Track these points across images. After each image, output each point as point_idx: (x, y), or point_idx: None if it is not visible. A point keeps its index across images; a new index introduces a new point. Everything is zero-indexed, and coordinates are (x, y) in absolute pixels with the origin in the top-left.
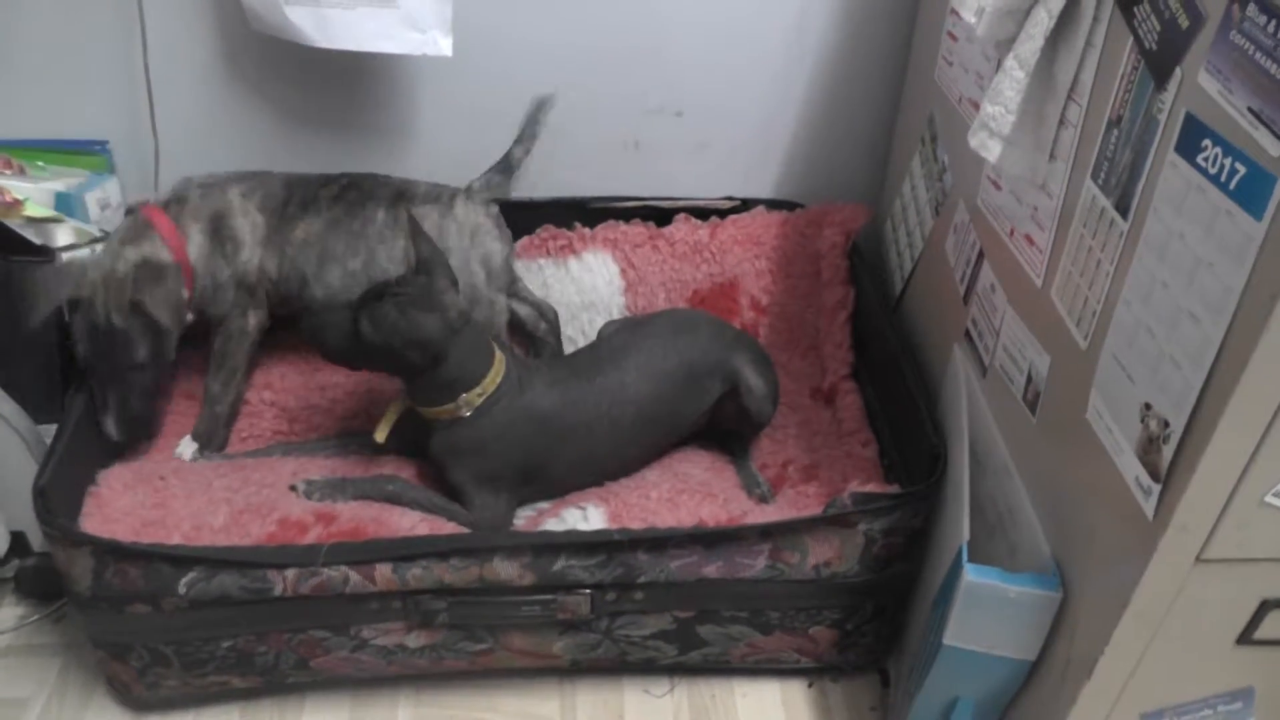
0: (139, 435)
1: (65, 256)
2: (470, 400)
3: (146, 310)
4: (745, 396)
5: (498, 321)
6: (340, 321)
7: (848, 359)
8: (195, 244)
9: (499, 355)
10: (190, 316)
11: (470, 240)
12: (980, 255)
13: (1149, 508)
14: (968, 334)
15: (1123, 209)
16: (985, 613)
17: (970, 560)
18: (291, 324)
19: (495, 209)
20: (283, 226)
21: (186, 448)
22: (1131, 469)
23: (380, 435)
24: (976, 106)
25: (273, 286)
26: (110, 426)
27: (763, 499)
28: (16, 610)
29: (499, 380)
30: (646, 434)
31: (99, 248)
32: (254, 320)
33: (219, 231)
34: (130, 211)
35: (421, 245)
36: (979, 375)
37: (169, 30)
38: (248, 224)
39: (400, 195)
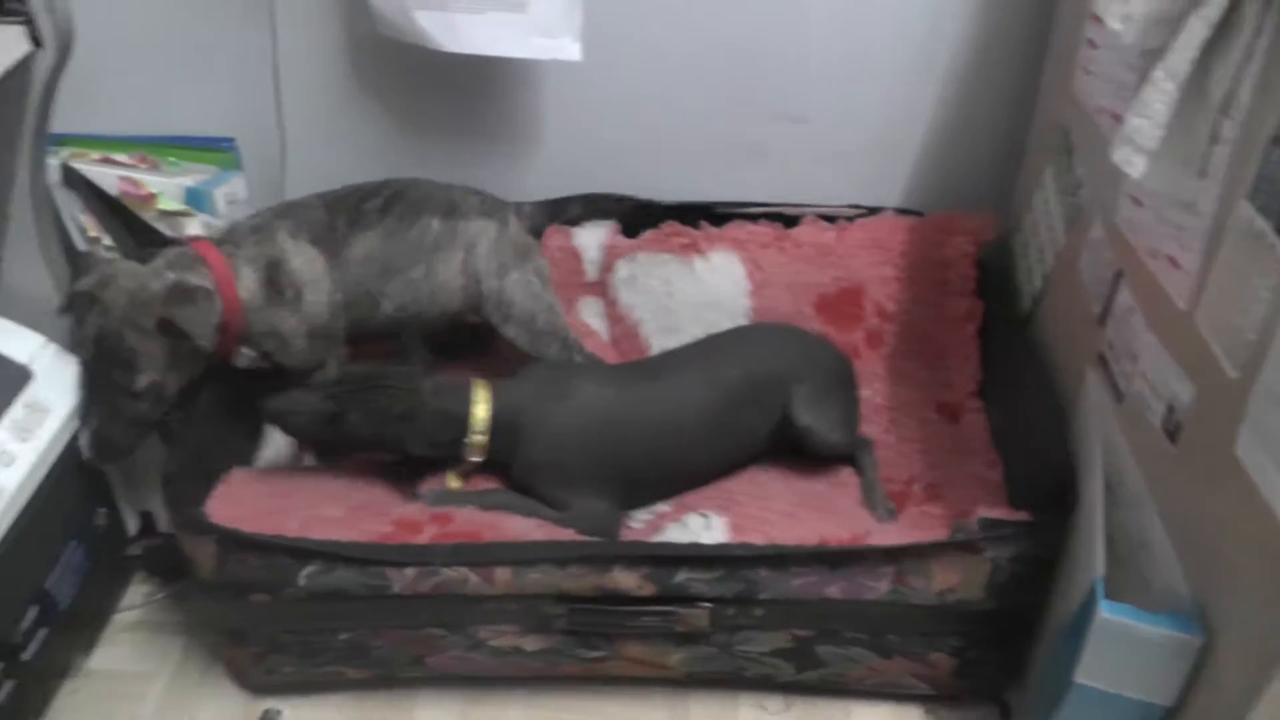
0: (109, 459)
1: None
2: (475, 442)
3: (177, 327)
4: (796, 433)
5: (558, 322)
6: (314, 409)
7: (975, 375)
8: (247, 287)
9: (479, 390)
10: (249, 353)
11: (524, 257)
12: (1118, 275)
13: None
14: (1102, 357)
15: None
16: (1120, 652)
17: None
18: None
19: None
20: (339, 251)
21: None
22: None
23: (453, 483)
24: (1117, 119)
25: (346, 317)
26: (82, 439)
27: (885, 517)
28: (143, 588)
29: (490, 409)
30: (715, 441)
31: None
32: (337, 367)
33: (275, 280)
34: (178, 243)
35: (407, 333)
36: (1113, 400)
37: (298, 32)
38: (305, 264)
39: (453, 208)
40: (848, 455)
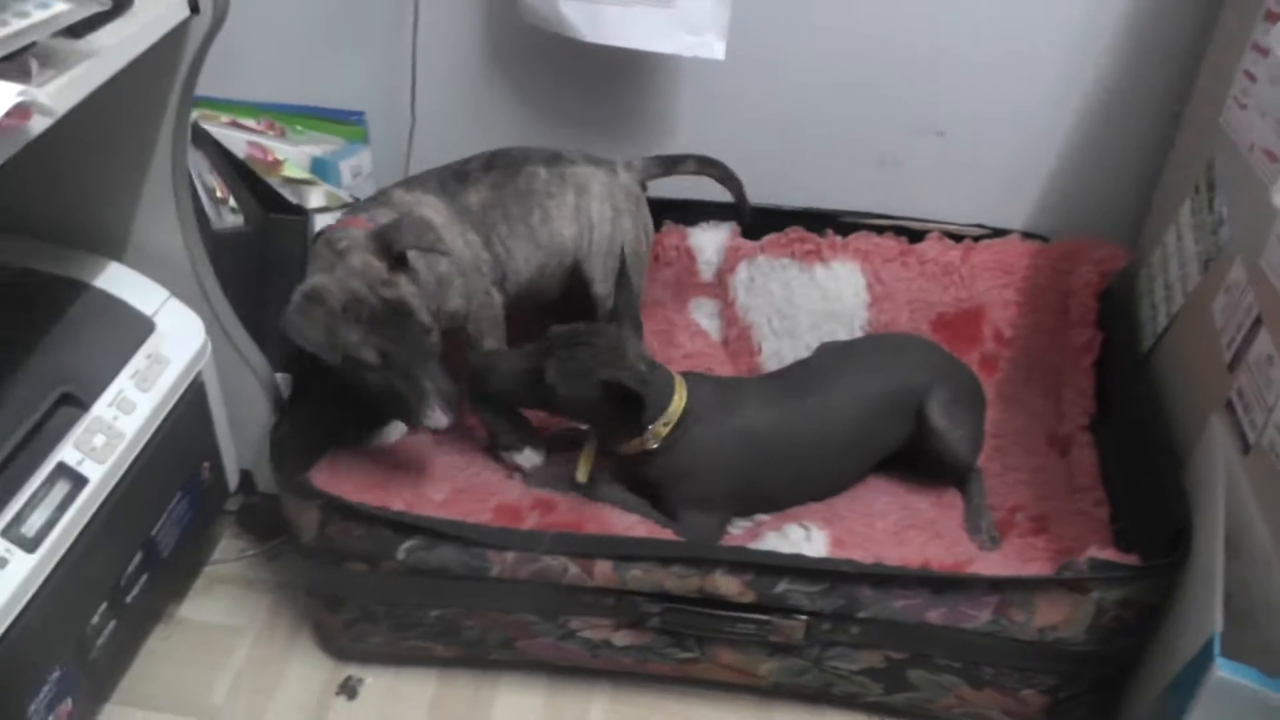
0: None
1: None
2: (656, 432)
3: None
4: (928, 435)
5: (640, 293)
6: (516, 366)
7: (1089, 408)
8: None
9: (679, 381)
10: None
11: (636, 206)
12: (1258, 322)
13: None
14: (1230, 405)
15: None
16: (1234, 714)
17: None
18: None
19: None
20: (456, 200)
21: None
22: None
23: (581, 475)
24: (1272, 157)
25: (489, 263)
26: (440, 413)
27: (988, 544)
28: (237, 543)
29: (683, 406)
30: (853, 457)
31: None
32: (498, 296)
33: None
34: (320, 233)
35: (620, 294)
36: (1239, 451)
37: (440, 12)
38: (431, 211)
39: (556, 157)
40: (963, 473)
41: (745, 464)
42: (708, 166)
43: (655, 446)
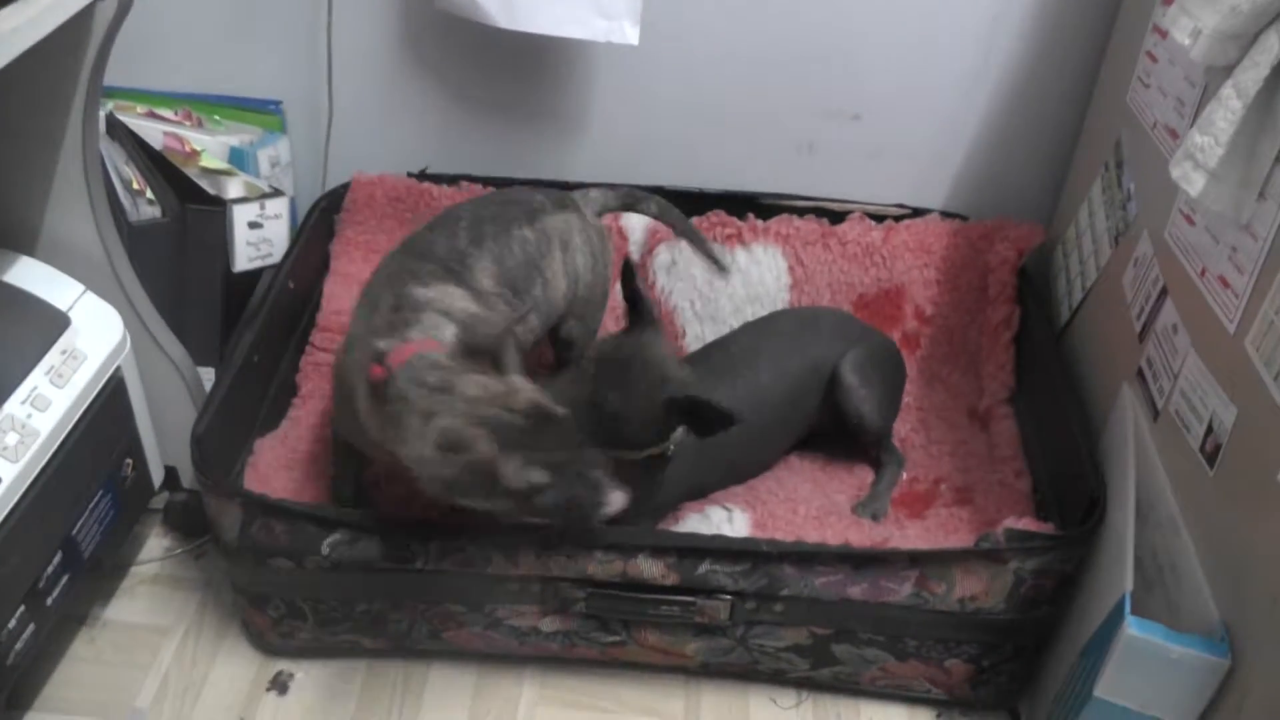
0: None
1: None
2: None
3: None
4: (838, 392)
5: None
6: (571, 396)
7: (1008, 382)
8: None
9: None
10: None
11: (604, 243)
12: (1163, 293)
13: None
14: (1140, 373)
15: None
16: (1143, 669)
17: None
18: None
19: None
20: (470, 284)
21: None
22: None
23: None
24: (1173, 134)
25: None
26: (617, 493)
27: (865, 515)
28: (163, 541)
29: None
30: (780, 433)
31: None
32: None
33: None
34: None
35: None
36: (1149, 418)
37: (354, 1)
38: (465, 301)
39: (531, 211)
40: (873, 438)
41: (697, 456)
42: (667, 214)
43: (672, 449)
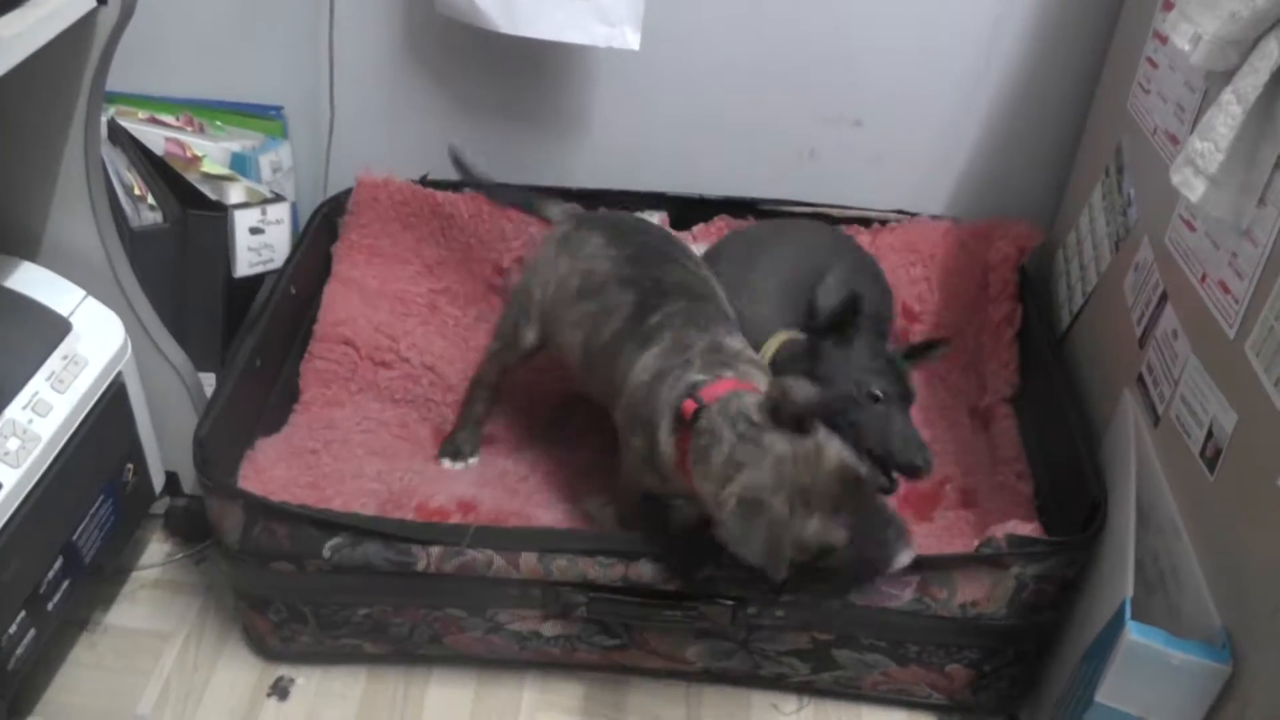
0: None
1: None
2: None
3: None
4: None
5: None
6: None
7: (1011, 380)
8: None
9: None
10: None
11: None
12: (1163, 298)
13: None
14: (1140, 379)
15: None
16: (1144, 675)
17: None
18: None
19: None
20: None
21: None
22: None
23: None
24: (1173, 139)
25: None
26: (910, 549)
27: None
28: (164, 546)
29: None
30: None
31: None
32: None
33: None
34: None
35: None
36: (1150, 424)
37: (355, 5)
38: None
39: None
40: None
41: None
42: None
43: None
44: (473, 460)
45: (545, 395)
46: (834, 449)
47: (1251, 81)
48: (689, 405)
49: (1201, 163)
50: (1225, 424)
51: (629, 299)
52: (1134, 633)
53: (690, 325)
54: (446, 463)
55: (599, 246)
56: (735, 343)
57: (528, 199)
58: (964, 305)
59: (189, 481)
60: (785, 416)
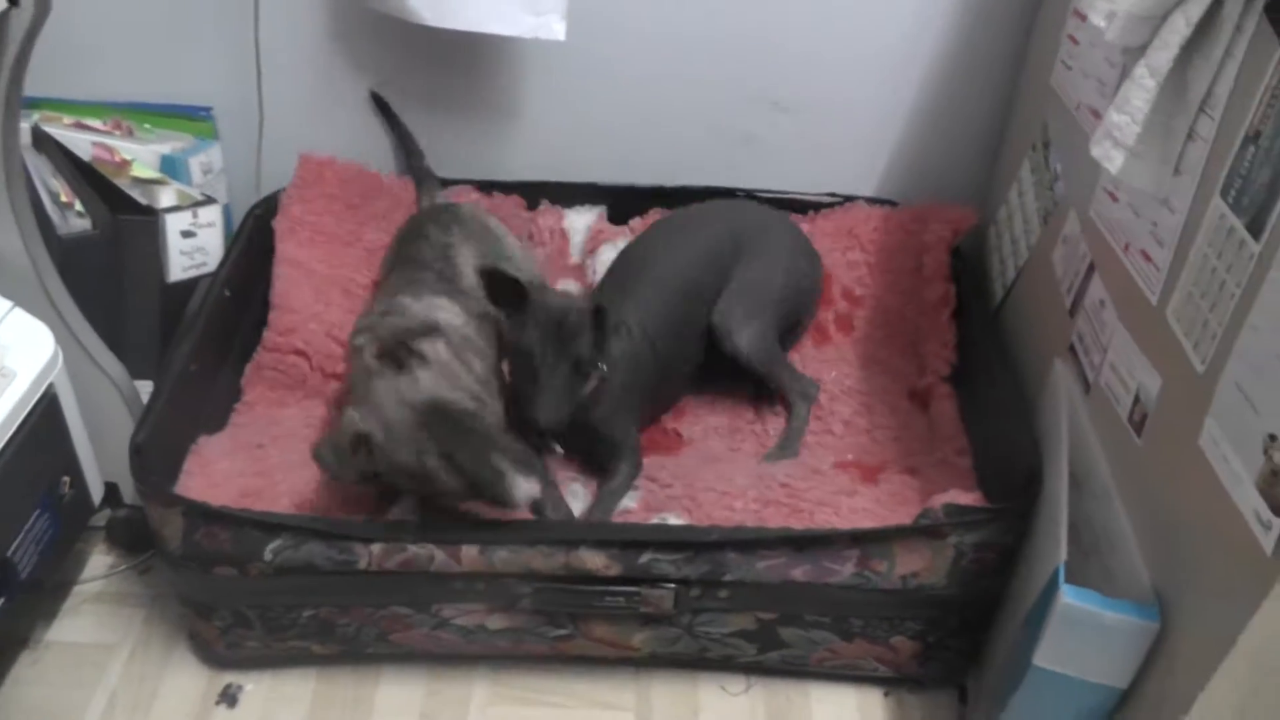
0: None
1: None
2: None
3: None
4: (716, 338)
5: None
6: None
7: (949, 359)
8: None
9: None
10: None
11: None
12: (1091, 268)
13: (1268, 543)
14: (1072, 348)
15: (1255, 229)
16: (1079, 636)
17: (1065, 582)
18: None
19: None
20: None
21: None
22: (1250, 501)
23: None
24: (1095, 114)
25: None
26: (526, 481)
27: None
28: (106, 559)
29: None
30: (692, 328)
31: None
32: None
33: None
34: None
35: None
36: (1081, 392)
37: (281, 2)
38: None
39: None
40: (769, 373)
41: (634, 366)
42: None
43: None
44: None
45: None
46: (426, 382)
47: (1163, 56)
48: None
49: (1119, 135)
50: (1151, 388)
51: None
52: (1068, 596)
53: (401, 292)
54: None
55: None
56: (414, 303)
57: (420, 173)
58: (902, 289)
59: (130, 491)
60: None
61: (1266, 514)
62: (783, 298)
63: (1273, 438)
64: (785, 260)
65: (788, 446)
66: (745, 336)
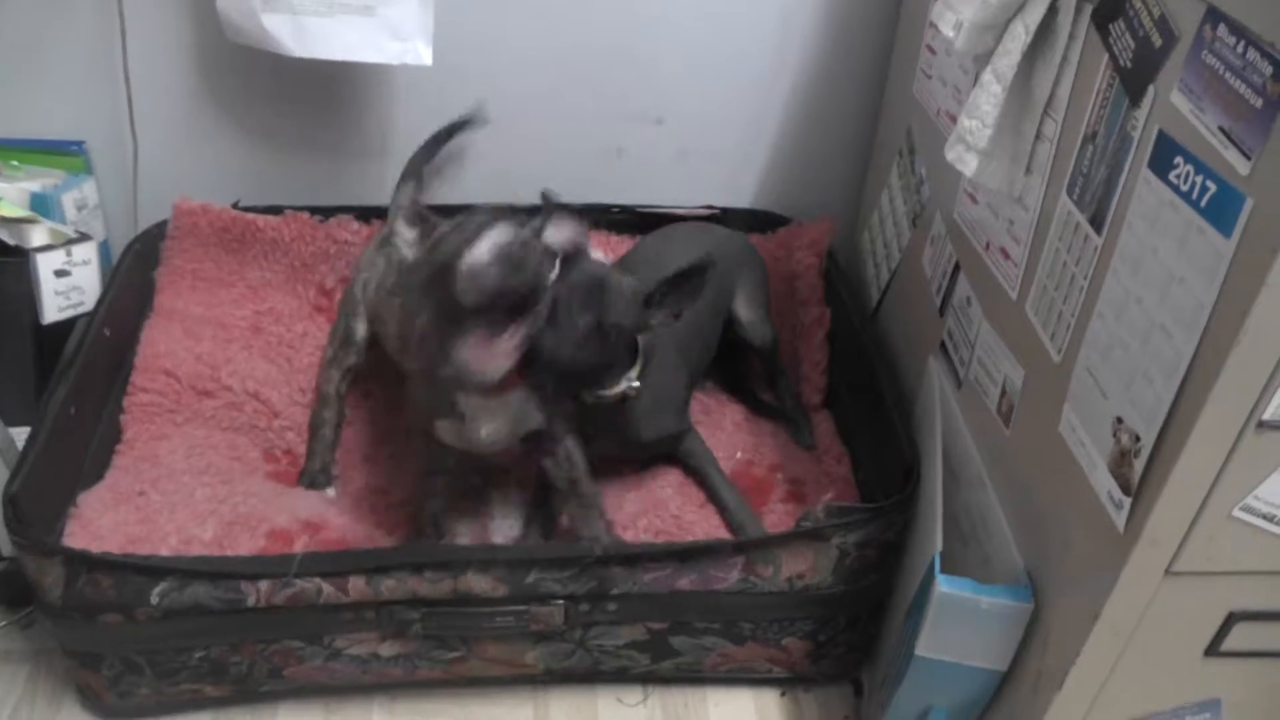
0: None
1: None
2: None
3: None
4: (741, 330)
5: None
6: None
7: (821, 384)
8: None
9: None
10: None
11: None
12: (956, 268)
13: (1120, 521)
14: (943, 346)
15: (1097, 224)
16: (957, 623)
17: (944, 571)
18: None
19: None
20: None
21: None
22: (1104, 483)
23: None
24: (954, 120)
25: None
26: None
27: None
28: None
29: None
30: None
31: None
32: None
33: None
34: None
35: None
36: (954, 387)
37: (149, 33)
38: None
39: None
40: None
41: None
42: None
43: (637, 384)
44: (330, 491)
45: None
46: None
47: (1006, 62)
48: None
49: (971, 139)
50: (1015, 380)
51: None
52: (943, 585)
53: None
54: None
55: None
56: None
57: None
58: (777, 311)
59: (6, 545)
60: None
61: (1118, 494)
62: (767, 283)
63: (1120, 420)
64: (759, 260)
65: (802, 425)
66: (767, 328)
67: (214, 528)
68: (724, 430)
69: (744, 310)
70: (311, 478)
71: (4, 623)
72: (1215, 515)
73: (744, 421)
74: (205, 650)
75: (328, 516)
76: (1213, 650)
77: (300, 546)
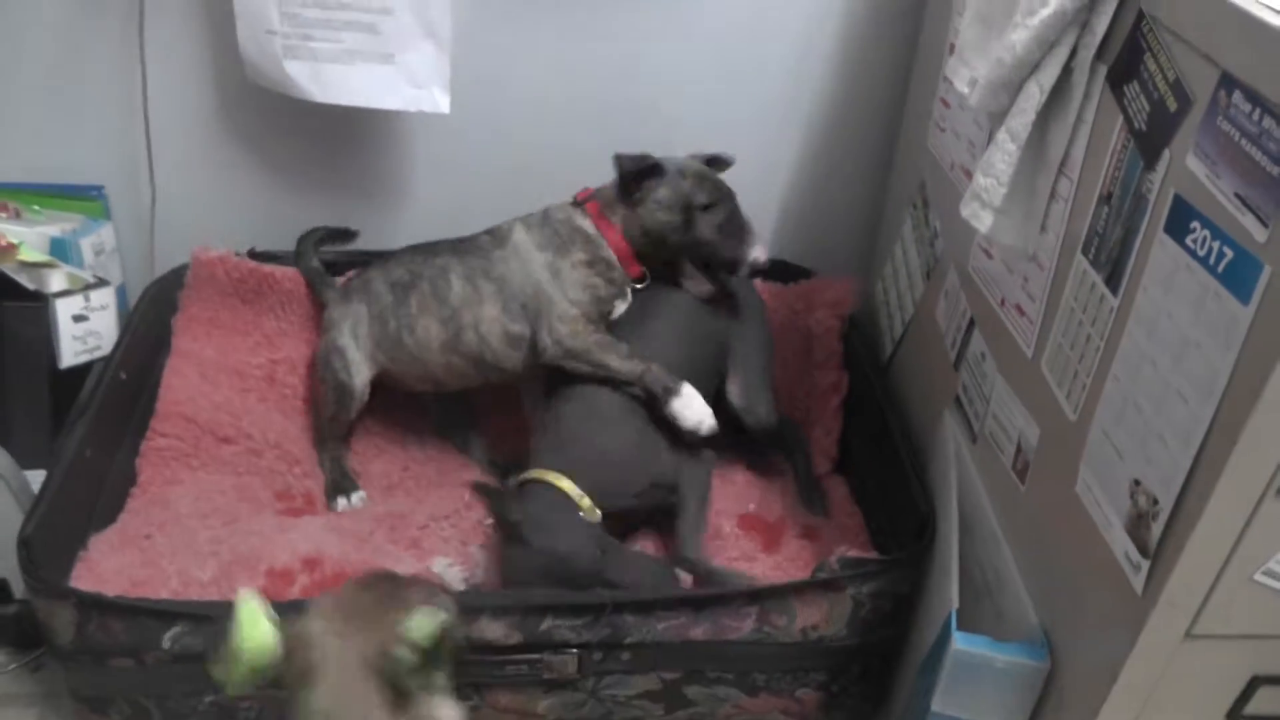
0: None
1: None
2: None
3: None
4: (737, 413)
5: None
6: None
7: (833, 452)
8: None
9: None
10: None
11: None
12: (971, 323)
13: (1138, 583)
14: (958, 400)
15: (1113, 284)
16: (973, 681)
17: (958, 625)
18: None
19: None
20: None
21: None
22: (1121, 544)
23: None
24: (968, 174)
25: None
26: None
27: (820, 514)
28: None
29: None
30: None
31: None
32: None
33: None
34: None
35: None
36: (969, 442)
37: (169, 79)
38: None
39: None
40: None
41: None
42: None
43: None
44: (356, 497)
45: (398, 439)
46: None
47: (1021, 121)
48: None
49: (986, 196)
50: (1030, 438)
51: (442, 260)
52: (960, 642)
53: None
54: (341, 503)
55: (379, 272)
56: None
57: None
58: (791, 367)
59: (19, 586)
60: None
61: (1135, 555)
62: (770, 355)
63: (1137, 483)
64: (761, 313)
65: (814, 496)
66: (765, 410)
67: (214, 569)
68: (734, 484)
69: (736, 392)
70: (335, 485)
71: (14, 665)
72: (1235, 579)
73: (755, 478)
74: (215, 694)
75: (328, 552)
76: (1235, 714)
77: (299, 586)
